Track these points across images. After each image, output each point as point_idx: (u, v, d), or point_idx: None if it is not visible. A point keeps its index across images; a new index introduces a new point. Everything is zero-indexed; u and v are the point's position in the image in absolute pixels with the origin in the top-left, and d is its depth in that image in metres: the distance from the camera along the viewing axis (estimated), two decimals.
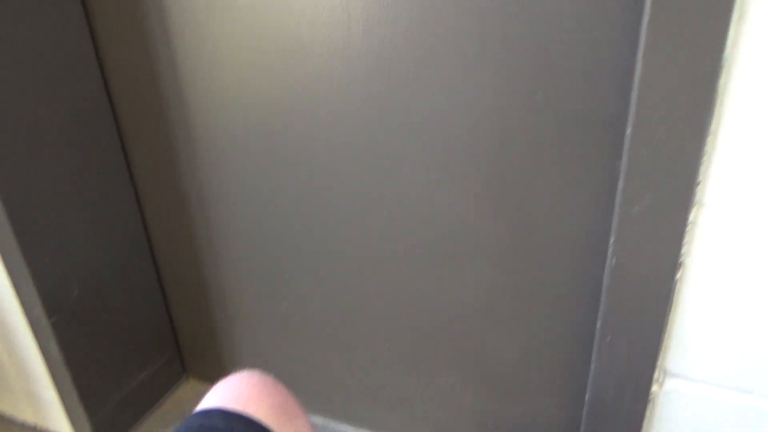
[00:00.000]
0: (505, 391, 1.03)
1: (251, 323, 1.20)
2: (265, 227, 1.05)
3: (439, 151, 0.84)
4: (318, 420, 1.24)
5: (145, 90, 1.00)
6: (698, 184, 0.52)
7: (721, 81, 0.47)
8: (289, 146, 0.94)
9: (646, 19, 0.49)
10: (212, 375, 1.32)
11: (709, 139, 0.49)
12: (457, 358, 1.04)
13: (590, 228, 0.81)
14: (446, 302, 0.98)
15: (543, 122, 0.76)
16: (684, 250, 0.55)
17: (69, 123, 0.96)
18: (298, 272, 1.07)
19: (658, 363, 0.61)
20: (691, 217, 0.53)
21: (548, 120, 0.75)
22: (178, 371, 1.32)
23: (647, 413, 0.64)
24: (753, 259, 0.54)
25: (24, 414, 1.21)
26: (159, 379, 1.26)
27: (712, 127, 0.49)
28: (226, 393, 0.51)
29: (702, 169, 0.51)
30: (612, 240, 0.56)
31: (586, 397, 0.65)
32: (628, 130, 0.50)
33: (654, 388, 0.63)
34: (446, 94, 0.77)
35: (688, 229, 0.53)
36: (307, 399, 1.23)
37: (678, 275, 0.56)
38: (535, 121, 0.76)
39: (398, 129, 0.85)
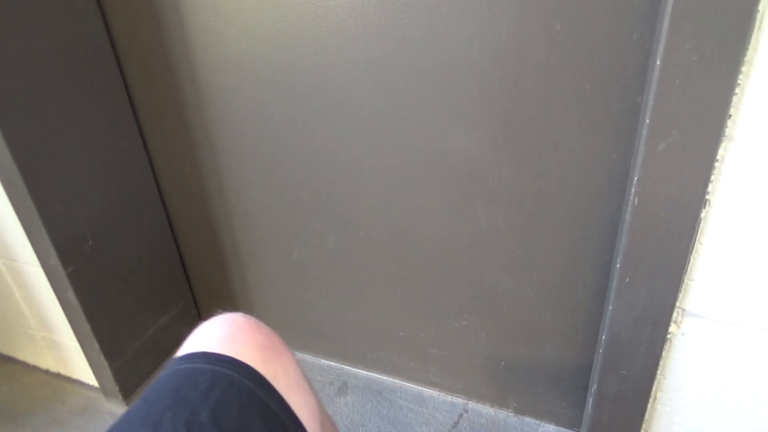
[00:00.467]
0: (518, 332, 1.04)
1: (264, 270, 1.20)
2: (276, 171, 1.04)
3: (453, 87, 0.81)
4: (331, 363, 1.27)
5: (146, 26, 0.97)
6: (729, 117, 0.49)
7: (762, 2, 0.44)
8: (299, 84, 0.91)
9: None
10: None
11: (744, 68, 0.46)
12: (471, 300, 1.04)
13: (608, 168, 0.79)
14: (460, 244, 0.97)
15: (561, 56, 0.72)
16: (710, 187, 0.53)
17: (71, 66, 0.93)
18: (311, 217, 1.07)
19: (677, 303, 0.60)
20: (720, 152, 0.51)
21: (567, 54, 0.72)
22: (194, 318, 1.35)
23: (664, 353, 0.64)
24: None
25: (47, 362, 1.25)
26: (176, 326, 1.28)
27: (749, 55, 0.46)
28: (209, 335, 0.50)
29: (735, 101, 0.48)
30: (636, 179, 0.54)
31: (603, 337, 0.64)
32: (658, 61, 0.47)
33: (672, 328, 0.62)
34: (461, 26, 0.74)
35: (716, 165, 0.51)
36: (320, 343, 1.25)
37: (703, 214, 0.54)
38: (553, 55, 0.73)
39: (412, 64, 0.81)
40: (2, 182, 0.91)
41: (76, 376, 1.22)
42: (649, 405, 0.68)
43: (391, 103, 0.87)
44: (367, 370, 1.24)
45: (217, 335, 0.50)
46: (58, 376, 1.25)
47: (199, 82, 0.99)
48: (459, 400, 1.17)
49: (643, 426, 0.70)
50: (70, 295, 1.00)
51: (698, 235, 0.56)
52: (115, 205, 1.06)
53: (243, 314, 0.54)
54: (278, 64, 0.91)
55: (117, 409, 1.16)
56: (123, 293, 1.11)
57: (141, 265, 1.14)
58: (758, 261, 0.56)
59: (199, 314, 1.36)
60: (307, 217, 1.07)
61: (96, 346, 1.07)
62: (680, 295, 0.59)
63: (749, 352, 0.61)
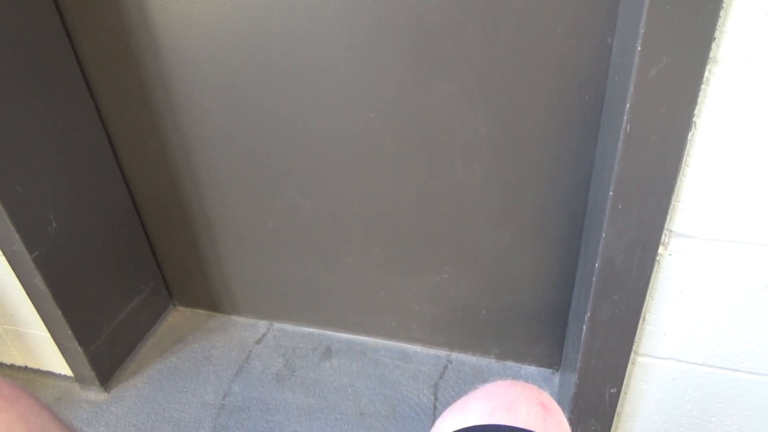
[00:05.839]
0: (498, 281, 1.07)
1: (239, 243, 1.18)
2: (246, 140, 1.01)
3: (425, 40, 0.81)
4: (312, 330, 1.27)
5: None
6: (714, 39, 0.52)
7: None
8: (266, 47, 0.89)
9: None
10: (201, 300, 1.31)
11: None
12: (450, 253, 1.06)
13: (580, 110, 0.82)
14: (438, 198, 0.99)
15: (533, 1, 0.74)
16: (696, 110, 0.56)
17: (19, 43, 0.87)
18: (285, 185, 1.05)
19: (666, 225, 0.64)
20: (705, 75, 0.54)
21: None
22: (165, 299, 1.31)
23: (653, 274, 0.68)
24: (759, 114, 0.56)
25: (11, 356, 1.18)
26: (147, 308, 1.24)
27: None
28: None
29: (719, 23, 0.52)
30: (627, 106, 0.56)
31: (597, 265, 0.68)
32: None
33: (660, 249, 0.66)
34: None
35: (702, 87, 0.55)
36: (301, 311, 1.25)
37: (690, 136, 0.58)
38: (524, 1, 0.74)
39: (382, 20, 0.81)
40: None
41: (45, 367, 1.16)
42: (639, 326, 0.72)
43: (362, 60, 0.86)
44: (350, 333, 1.25)
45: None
46: (24, 369, 1.18)
47: (160, 52, 0.94)
48: (442, 353, 1.21)
49: (633, 347, 0.75)
50: (38, 281, 0.95)
51: (685, 157, 0.59)
52: (77, 185, 1.01)
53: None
54: (243, 28, 0.88)
55: (95, 396, 1.12)
56: (92, 277, 1.06)
57: (107, 246, 1.10)
58: (738, 179, 0.60)
59: (170, 294, 1.32)
60: (281, 185, 1.06)
61: (69, 332, 1.02)
62: (668, 217, 0.63)
63: (730, 266, 0.66)
